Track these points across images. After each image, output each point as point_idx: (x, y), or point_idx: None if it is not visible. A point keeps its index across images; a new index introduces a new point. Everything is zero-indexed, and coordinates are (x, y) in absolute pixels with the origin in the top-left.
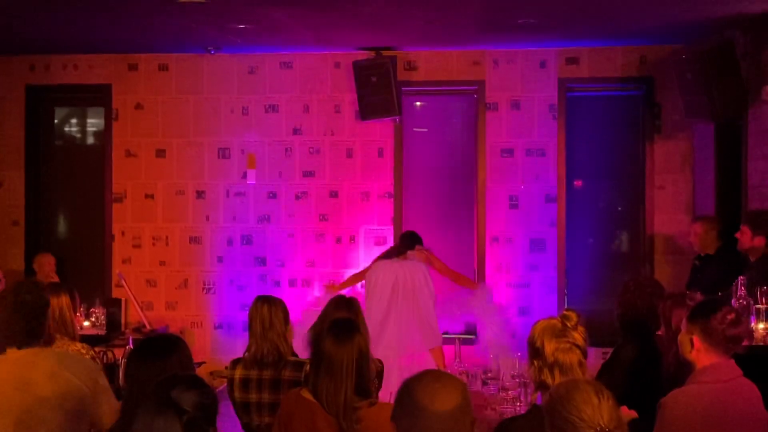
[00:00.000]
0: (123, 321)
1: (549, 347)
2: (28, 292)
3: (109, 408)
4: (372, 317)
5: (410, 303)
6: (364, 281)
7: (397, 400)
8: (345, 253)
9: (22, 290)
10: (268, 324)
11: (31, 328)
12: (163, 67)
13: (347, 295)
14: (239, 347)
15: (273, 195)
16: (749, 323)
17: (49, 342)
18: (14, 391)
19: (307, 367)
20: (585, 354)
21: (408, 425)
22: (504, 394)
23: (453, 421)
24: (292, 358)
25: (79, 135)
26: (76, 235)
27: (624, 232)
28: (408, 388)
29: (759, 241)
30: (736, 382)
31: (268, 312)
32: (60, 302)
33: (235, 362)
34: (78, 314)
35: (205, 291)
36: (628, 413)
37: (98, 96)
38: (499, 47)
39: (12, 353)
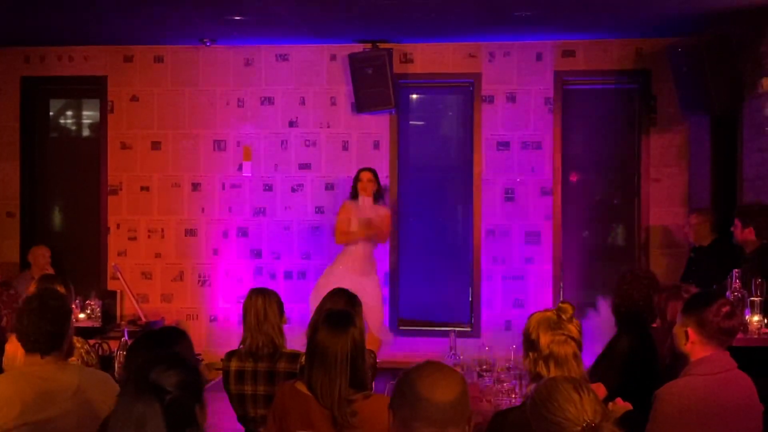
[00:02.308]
0: (118, 313)
1: (544, 339)
2: (54, 298)
3: None
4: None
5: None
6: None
7: (396, 389)
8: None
9: (47, 296)
10: (262, 316)
11: (55, 334)
12: (159, 59)
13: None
14: (234, 340)
15: (269, 187)
16: (744, 315)
17: (70, 353)
18: (36, 402)
19: (303, 359)
20: (580, 346)
21: (406, 414)
22: (499, 386)
23: (451, 412)
24: (287, 350)
25: (74, 127)
26: (71, 227)
27: (619, 224)
28: (408, 378)
29: (749, 233)
30: (731, 374)
31: (263, 304)
32: None
33: (230, 354)
34: (73, 306)
35: (200, 283)
36: (622, 405)
37: (93, 88)
38: (496, 40)
39: (35, 362)
